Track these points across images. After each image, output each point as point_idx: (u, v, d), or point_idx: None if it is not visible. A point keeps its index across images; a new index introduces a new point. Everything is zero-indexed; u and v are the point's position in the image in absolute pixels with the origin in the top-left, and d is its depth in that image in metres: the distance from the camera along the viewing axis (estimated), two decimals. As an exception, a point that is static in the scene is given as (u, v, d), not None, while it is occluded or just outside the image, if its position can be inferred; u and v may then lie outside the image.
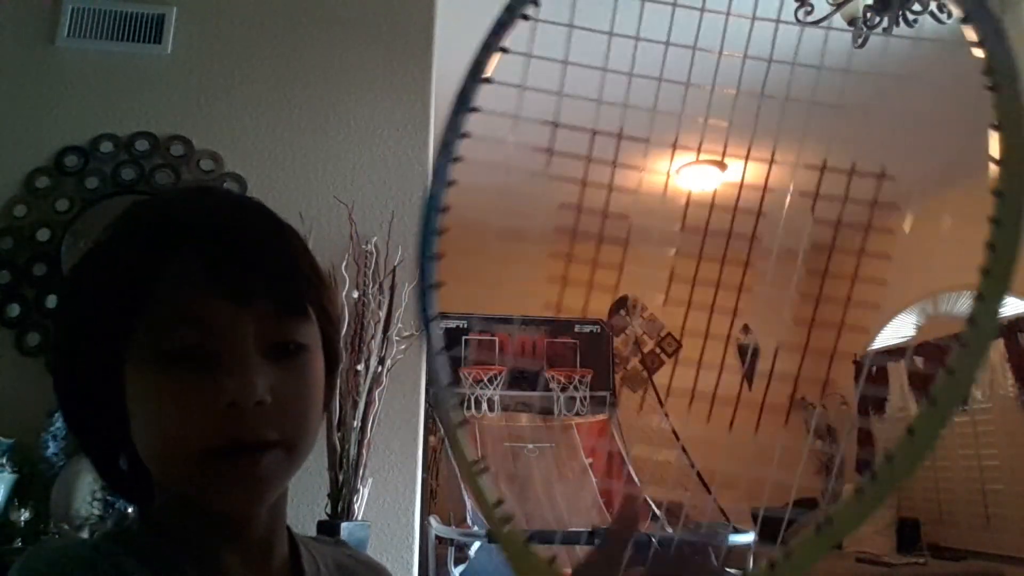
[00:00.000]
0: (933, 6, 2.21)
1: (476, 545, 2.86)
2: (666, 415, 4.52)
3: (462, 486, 3.40)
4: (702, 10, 0.58)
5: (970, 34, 0.39)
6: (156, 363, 0.48)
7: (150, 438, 0.49)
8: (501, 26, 0.53)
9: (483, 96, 0.55)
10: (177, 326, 0.48)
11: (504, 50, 0.53)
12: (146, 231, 0.52)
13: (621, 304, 5.51)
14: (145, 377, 0.49)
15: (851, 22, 2.33)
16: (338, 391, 1.84)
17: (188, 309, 0.49)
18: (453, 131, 0.56)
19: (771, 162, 0.64)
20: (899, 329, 5.13)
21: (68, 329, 0.53)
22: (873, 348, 5.03)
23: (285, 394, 0.50)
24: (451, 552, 2.98)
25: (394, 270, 2.23)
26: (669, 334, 5.70)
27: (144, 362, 0.49)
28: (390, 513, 2.14)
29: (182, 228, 0.51)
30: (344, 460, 1.87)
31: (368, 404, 1.95)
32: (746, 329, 5.71)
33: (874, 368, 5.14)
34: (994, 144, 0.36)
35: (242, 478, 0.48)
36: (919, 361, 4.87)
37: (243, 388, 0.47)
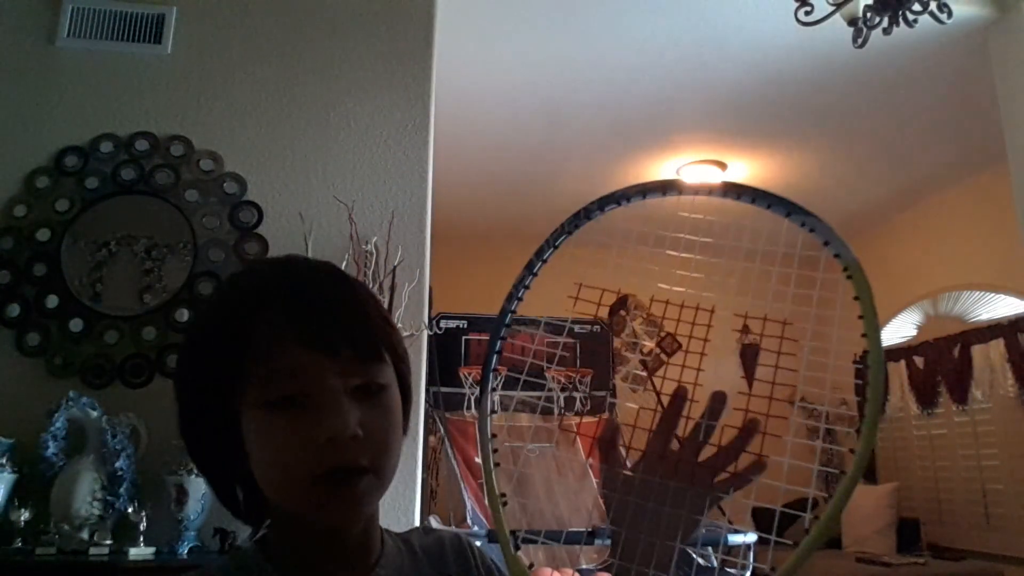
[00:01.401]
0: (933, 6, 2.21)
1: (476, 545, 2.85)
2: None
3: (463, 488, 3.40)
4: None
5: (828, 251, 0.56)
6: (265, 409, 0.58)
7: (267, 469, 0.59)
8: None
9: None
10: (276, 379, 0.58)
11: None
12: (239, 299, 0.63)
13: (621, 304, 5.51)
14: (257, 421, 0.59)
15: (851, 22, 2.33)
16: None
17: (283, 364, 0.58)
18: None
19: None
20: (899, 329, 5.13)
21: (189, 386, 0.63)
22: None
23: (372, 428, 0.59)
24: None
25: (394, 270, 2.23)
26: (669, 334, 5.70)
27: (255, 409, 0.59)
28: (390, 513, 2.14)
29: (268, 296, 0.61)
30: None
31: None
32: (746, 329, 5.71)
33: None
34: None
35: (342, 499, 0.59)
36: (919, 361, 4.87)
37: (338, 425, 0.57)
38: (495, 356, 0.67)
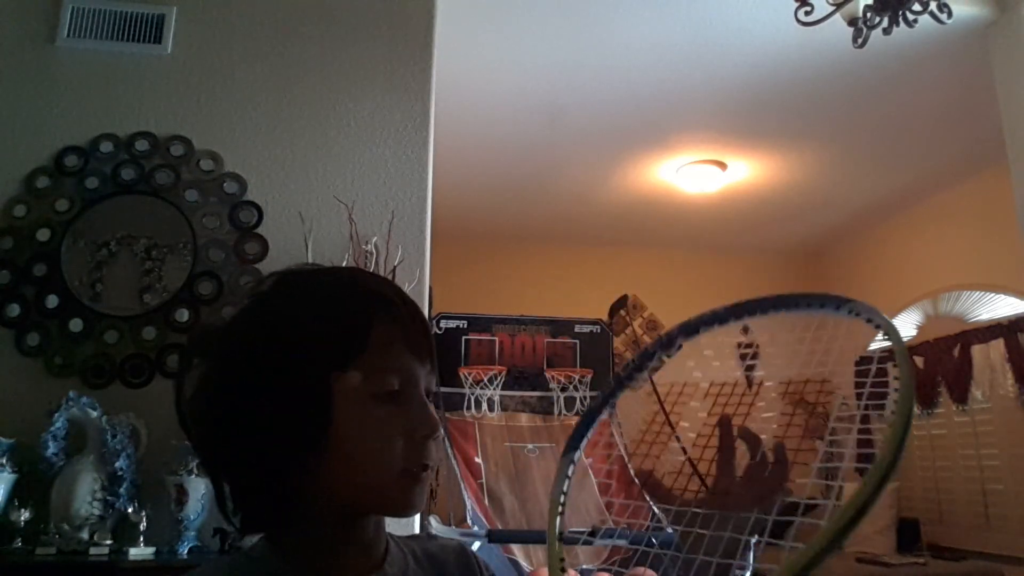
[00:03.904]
0: (933, 6, 2.21)
1: (476, 545, 2.85)
2: (666, 416, 4.51)
3: (463, 488, 3.40)
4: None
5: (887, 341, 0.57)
6: (372, 400, 0.64)
7: (360, 458, 0.64)
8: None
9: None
10: (389, 375, 0.65)
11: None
12: (357, 300, 0.68)
13: (621, 304, 5.51)
14: (364, 411, 0.64)
15: (851, 22, 2.33)
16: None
17: (396, 364, 0.66)
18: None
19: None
20: (899, 329, 5.13)
21: (283, 369, 0.64)
22: (873, 348, 5.02)
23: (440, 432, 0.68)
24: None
25: (394, 270, 2.23)
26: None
27: (361, 399, 0.64)
28: (390, 513, 2.14)
29: (384, 302, 0.68)
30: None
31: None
32: (746, 330, 5.71)
33: (874, 368, 5.13)
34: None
35: (419, 492, 0.65)
36: (919, 361, 4.87)
37: (434, 424, 0.66)
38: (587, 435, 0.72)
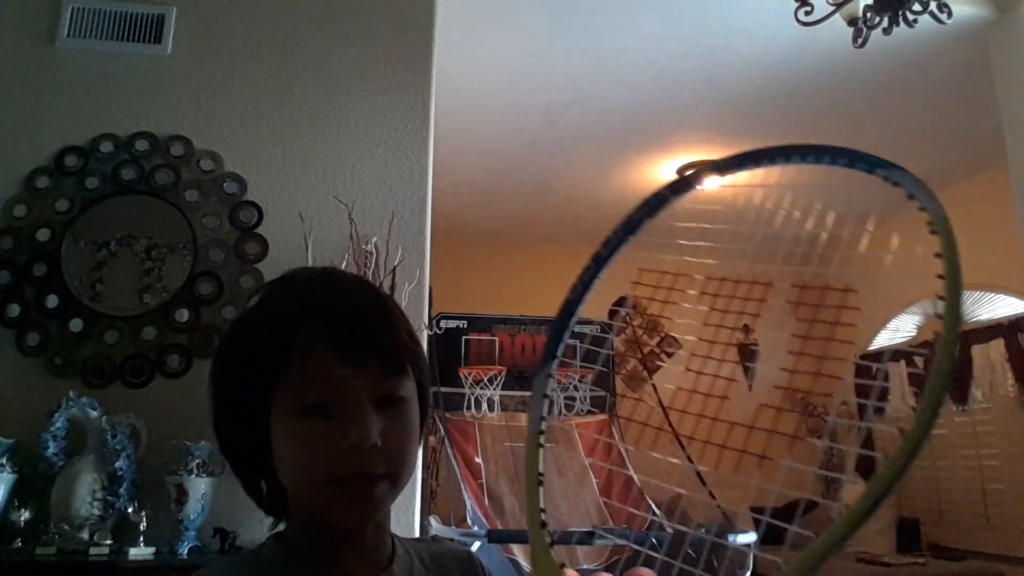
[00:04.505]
0: (933, 6, 2.21)
1: (476, 545, 2.85)
2: (666, 416, 4.51)
3: (463, 488, 3.40)
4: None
5: (915, 204, 0.53)
6: (295, 414, 0.63)
7: (290, 469, 0.64)
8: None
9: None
10: (311, 385, 0.63)
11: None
12: (281, 310, 0.67)
13: (621, 304, 5.51)
14: (286, 423, 0.63)
15: (851, 22, 2.33)
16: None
17: (317, 372, 0.63)
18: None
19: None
20: (899, 329, 5.13)
21: (226, 386, 0.67)
22: (873, 348, 5.03)
23: (390, 437, 0.64)
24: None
25: (394, 270, 2.23)
26: (669, 334, 5.70)
27: (285, 412, 0.63)
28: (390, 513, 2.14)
29: (308, 308, 0.66)
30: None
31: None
32: (746, 330, 5.71)
33: (875, 368, 5.13)
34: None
35: (359, 502, 0.63)
36: (919, 361, 4.86)
37: (361, 434, 0.62)
38: (555, 359, 0.70)
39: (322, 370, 0.63)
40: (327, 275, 0.71)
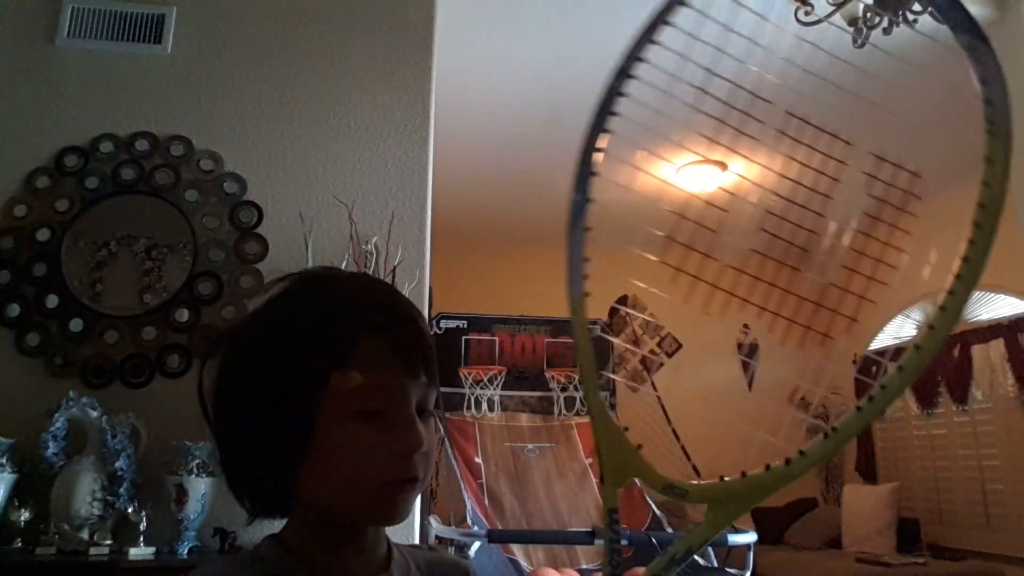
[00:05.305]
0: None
1: (476, 545, 2.85)
2: (665, 414, 4.52)
3: (463, 488, 3.40)
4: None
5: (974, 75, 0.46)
6: (355, 417, 0.64)
7: (337, 471, 0.64)
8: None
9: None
10: (376, 394, 0.64)
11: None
12: (340, 311, 0.67)
13: (621, 304, 5.51)
14: (343, 427, 0.64)
15: (851, 22, 2.33)
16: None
17: (382, 381, 0.65)
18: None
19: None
20: (899, 329, 5.13)
21: (269, 379, 0.66)
22: (873, 348, 5.03)
23: (426, 446, 0.67)
24: (451, 552, 2.98)
25: (394, 270, 2.23)
26: (669, 334, 5.70)
27: (343, 416, 0.64)
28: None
29: (369, 314, 0.67)
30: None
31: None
32: (746, 329, 5.71)
33: (874, 368, 5.14)
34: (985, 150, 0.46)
35: (401, 502, 0.66)
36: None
37: (415, 441, 0.65)
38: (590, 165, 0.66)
39: (386, 379, 0.65)
40: (371, 280, 0.74)
